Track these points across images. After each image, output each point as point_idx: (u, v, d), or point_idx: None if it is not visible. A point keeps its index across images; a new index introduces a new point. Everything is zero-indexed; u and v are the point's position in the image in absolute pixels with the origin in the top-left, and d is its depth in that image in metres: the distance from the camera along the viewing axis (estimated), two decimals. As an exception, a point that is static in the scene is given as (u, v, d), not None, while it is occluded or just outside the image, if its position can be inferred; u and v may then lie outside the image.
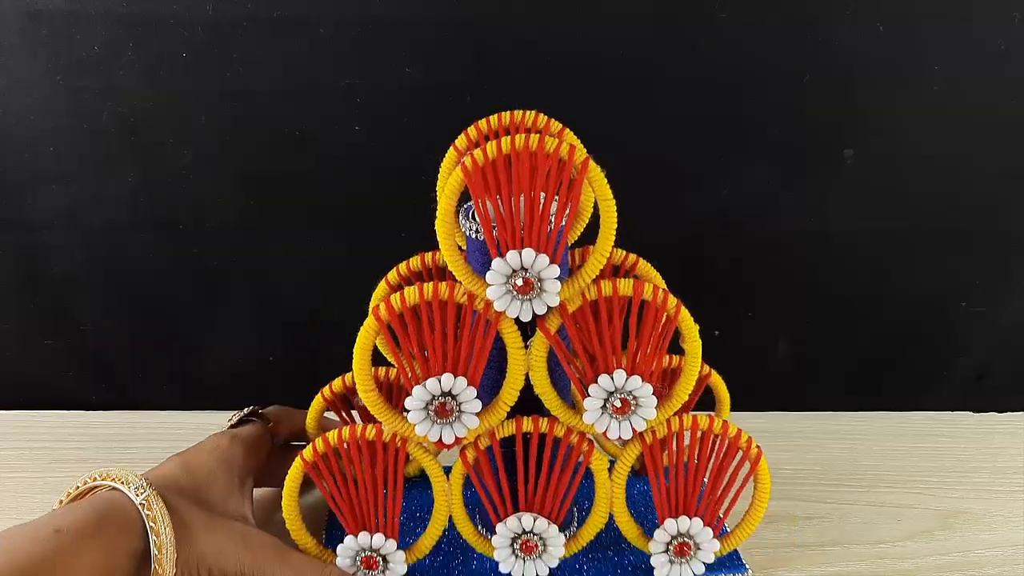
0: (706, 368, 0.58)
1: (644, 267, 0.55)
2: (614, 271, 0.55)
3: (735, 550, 0.55)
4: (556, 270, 0.45)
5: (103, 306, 0.72)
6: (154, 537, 0.45)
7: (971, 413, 0.72)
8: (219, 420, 0.71)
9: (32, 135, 0.67)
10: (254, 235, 0.70)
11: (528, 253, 0.45)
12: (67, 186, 0.68)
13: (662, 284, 0.55)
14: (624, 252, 0.54)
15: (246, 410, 0.57)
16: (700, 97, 0.66)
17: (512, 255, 0.45)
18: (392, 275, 0.55)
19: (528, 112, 0.49)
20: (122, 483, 0.47)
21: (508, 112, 0.49)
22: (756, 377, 0.75)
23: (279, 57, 0.64)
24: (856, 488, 0.63)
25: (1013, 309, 0.72)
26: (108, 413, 0.72)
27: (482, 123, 0.49)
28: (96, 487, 0.47)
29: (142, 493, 0.46)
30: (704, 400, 0.61)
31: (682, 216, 0.69)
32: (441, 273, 0.55)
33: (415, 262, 0.55)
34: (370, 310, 0.51)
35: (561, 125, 0.49)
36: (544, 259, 0.45)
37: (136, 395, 0.75)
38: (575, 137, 0.49)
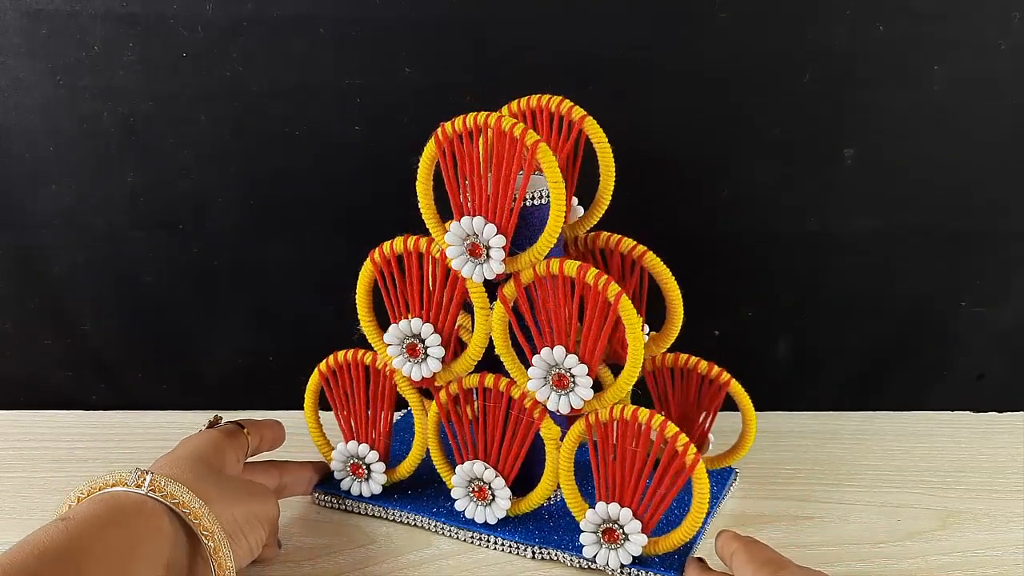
0: (725, 375, 0.58)
1: (651, 259, 0.55)
2: (621, 260, 0.56)
3: (682, 553, 0.53)
4: (502, 240, 0.50)
5: (103, 306, 0.72)
6: (184, 510, 0.45)
7: (971, 413, 0.72)
8: (219, 420, 0.71)
9: (32, 135, 0.67)
10: (254, 235, 0.70)
11: (478, 221, 0.50)
12: (67, 186, 0.68)
13: (670, 277, 0.55)
14: (633, 242, 0.55)
15: (212, 418, 0.57)
16: (700, 97, 0.66)
17: (465, 220, 0.50)
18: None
19: (554, 97, 0.52)
20: (118, 484, 0.45)
21: (536, 96, 0.52)
22: (756, 377, 0.74)
23: (279, 57, 0.64)
24: (856, 488, 0.63)
25: (1013, 309, 0.72)
26: (108, 413, 0.72)
27: (513, 104, 0.53)
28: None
29: (144, 480, 0.45)
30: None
31: (682, 216, 0.69)
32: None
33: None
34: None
35: (584, 112, 0.51)
36: (492, 228, 0.50)
37: (136, 395, 0.75)
38: (596, 124, 0.51)
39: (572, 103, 0.51)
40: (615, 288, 0.48)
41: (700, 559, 0.52)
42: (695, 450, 0.49)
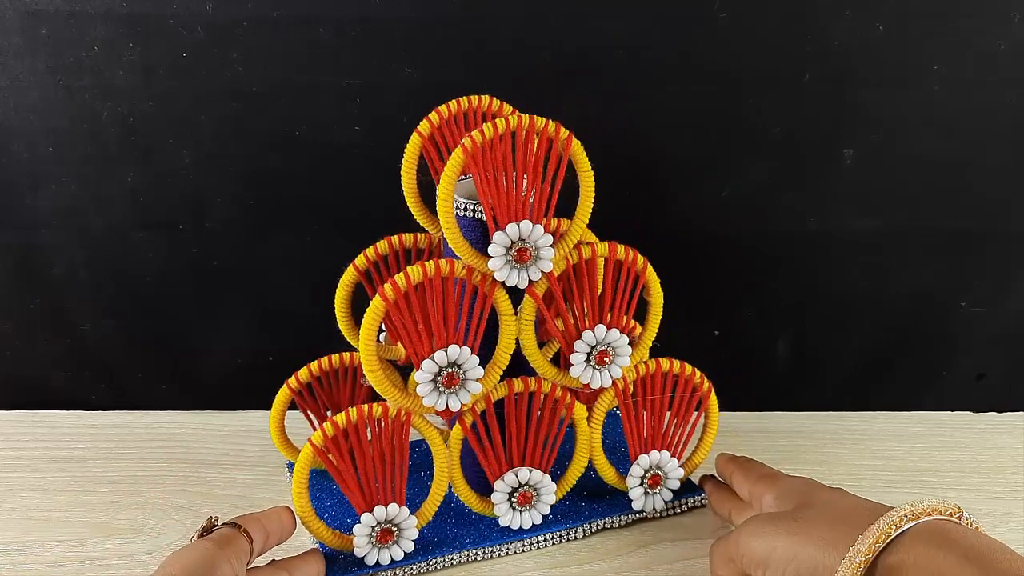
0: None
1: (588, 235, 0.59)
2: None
3: (688, 479, 0.60)
4: (550, 238, 0.50)
5: (103, 306, 0.72)
6: None
7: (971, 413, 0.72)
8: (219, 420, 0.71)
9: (32, 135, 0.67)
10: (254, 235, 0.70)
11: (526, 225, 0.49)
12: (67, 186, 0.68)
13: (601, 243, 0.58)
14: (569, 220, 0.54)
15: (205, 522, 0.49)
16: (700, 97, 0.66)
17: (512, 227, 0.49)
18: (360, 259, 0.58)
19: (483, 96, 0.55)
20: None
21: (465, 97, 0.54)
22: (756, 377, 0.75)
23: (279, 57, 0.64)
24: (856, 488, 0.63)
25: (1013, 309, 0.72)
26: (108, 413, 0.72)
27: (443, 108, 0.54)
28: None
29: None
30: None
31: (682, 216, 0.69)
32: (408, 254, 0.59)
33: (383, 246, 0.58)
34: (339, 295, 0.58)
35: (512, 108, 0.53)
36: (539, 229, 0.50)
37: (136, 395, 0.75)
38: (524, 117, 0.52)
39: (501, 101, 0.54)
40: (642, 258, 0.53)
41: (712, 476, 0.58)
42: (708, 381, 0.57)
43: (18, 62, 0.65)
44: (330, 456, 0.51)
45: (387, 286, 0.49)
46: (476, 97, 0.55)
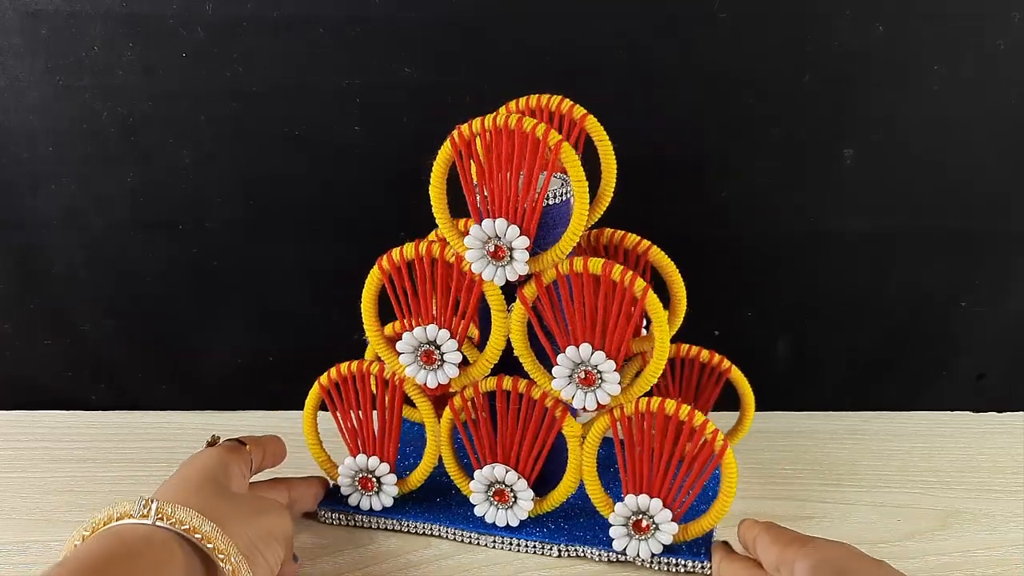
0: (726, 363, 0.61)
1: (656, 254, 0.57)
2: (625, 255, 0.57)
3: (706, 539, 0.55)
4: (525, 241, 0.49)
5: (103, 306, 0.73)
6: (195, 535, 0.43)
7: (971, 413, 0.72)
8: (219, 420, 0.71)
9: (32, 135, 0.67)
10: (254, 235, 0.70)
11: (500, 223, 0.49)
12: (67, 186, 0.68)
13: (674, 271, 0.57)
14: (638, 238, 0.57)
15: (211, 437, 0.55)
16: (700, 97, 0.66)
17: (487, 223, 0.49)
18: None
19: (553, 97, 0.52)
20: (122, 517, 0.44)
21: (536, 95, 0.53)
22: (756, 377, 0.74)
23: (279, 57, 0.64)
24: (856, 488, 0.63)
25: (1013, 309, 0.72)
26: (108, 413, 0.72)
27: (512, 104, 0.53)
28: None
29: (150, 509, 0.43)
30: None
31: (682, 216, 0.69)
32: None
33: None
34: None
35: (584, 111, 0.51)
36: (515, 230, 0.49)
37: (136, 395, 0.75)
38: (597, 123, 0.51)
39: (572, 102, 0.52)
40: (641, 283, 0.49)
41: (725, 543, 0.54)
42: (724, 436, 0.51)
43: (18, 62, 0.65)
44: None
45: (384, 257, 0.52)
46: (546, 96, 0.52)
